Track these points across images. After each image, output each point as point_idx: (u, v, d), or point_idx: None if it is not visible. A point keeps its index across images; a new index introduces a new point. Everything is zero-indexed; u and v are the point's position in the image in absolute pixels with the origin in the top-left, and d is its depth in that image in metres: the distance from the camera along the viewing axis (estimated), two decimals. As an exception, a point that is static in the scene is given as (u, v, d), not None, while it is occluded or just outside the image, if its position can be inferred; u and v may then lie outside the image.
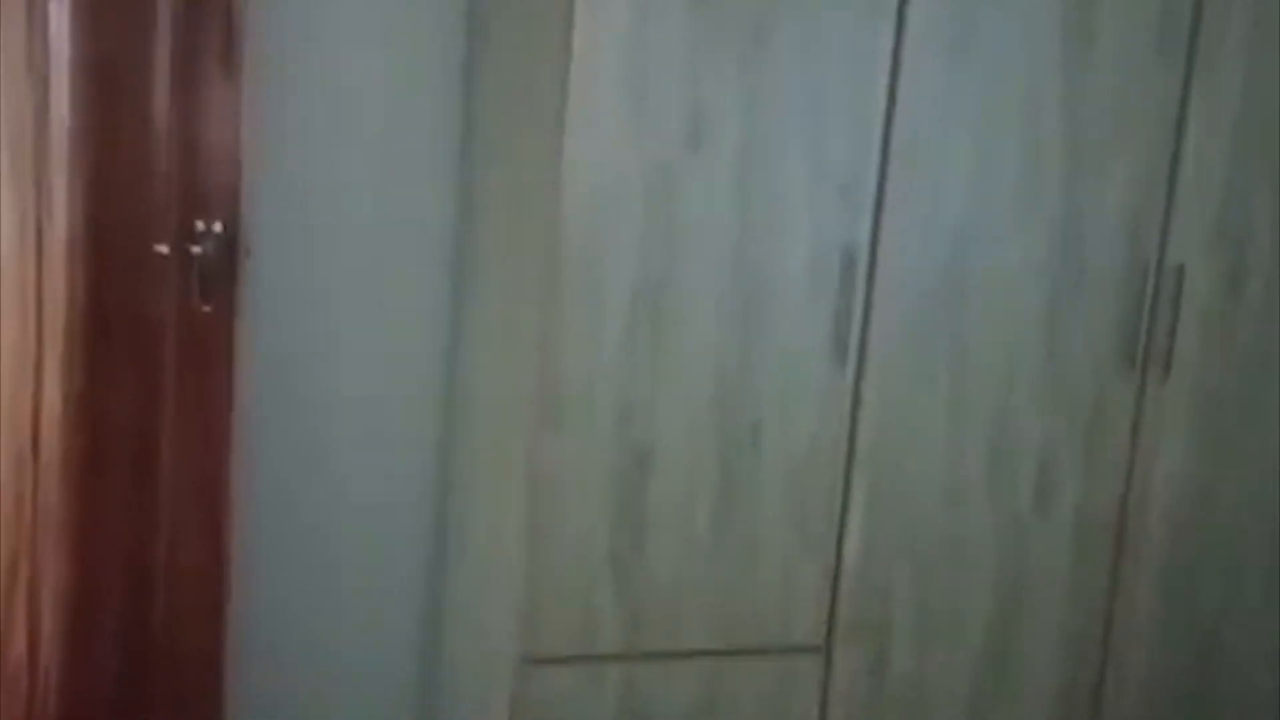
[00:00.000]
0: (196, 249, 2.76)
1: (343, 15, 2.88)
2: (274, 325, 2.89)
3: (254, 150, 2.78)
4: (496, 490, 2.74)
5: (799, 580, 2.69)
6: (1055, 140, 2.67)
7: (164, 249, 2.75)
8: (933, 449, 2.72)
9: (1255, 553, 2.95)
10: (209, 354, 2.79)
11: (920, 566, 2.76)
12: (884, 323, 2.65)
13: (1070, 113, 2.67)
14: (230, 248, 2.78)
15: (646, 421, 2.56)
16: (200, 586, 2.84)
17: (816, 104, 2.56)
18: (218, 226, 2.77)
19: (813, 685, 2.74)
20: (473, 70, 2.91)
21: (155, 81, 2.75)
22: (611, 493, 2.56)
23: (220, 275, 2.78)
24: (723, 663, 2.67)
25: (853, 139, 2.58)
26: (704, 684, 2.67)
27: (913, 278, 2.65)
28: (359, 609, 3.04)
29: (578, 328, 2.51)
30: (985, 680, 2.85)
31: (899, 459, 2.71)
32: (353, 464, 3.00)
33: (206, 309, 2.77)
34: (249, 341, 2.81)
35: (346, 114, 2.90)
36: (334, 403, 2.97)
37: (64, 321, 2.73)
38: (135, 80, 2.73)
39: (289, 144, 2.86)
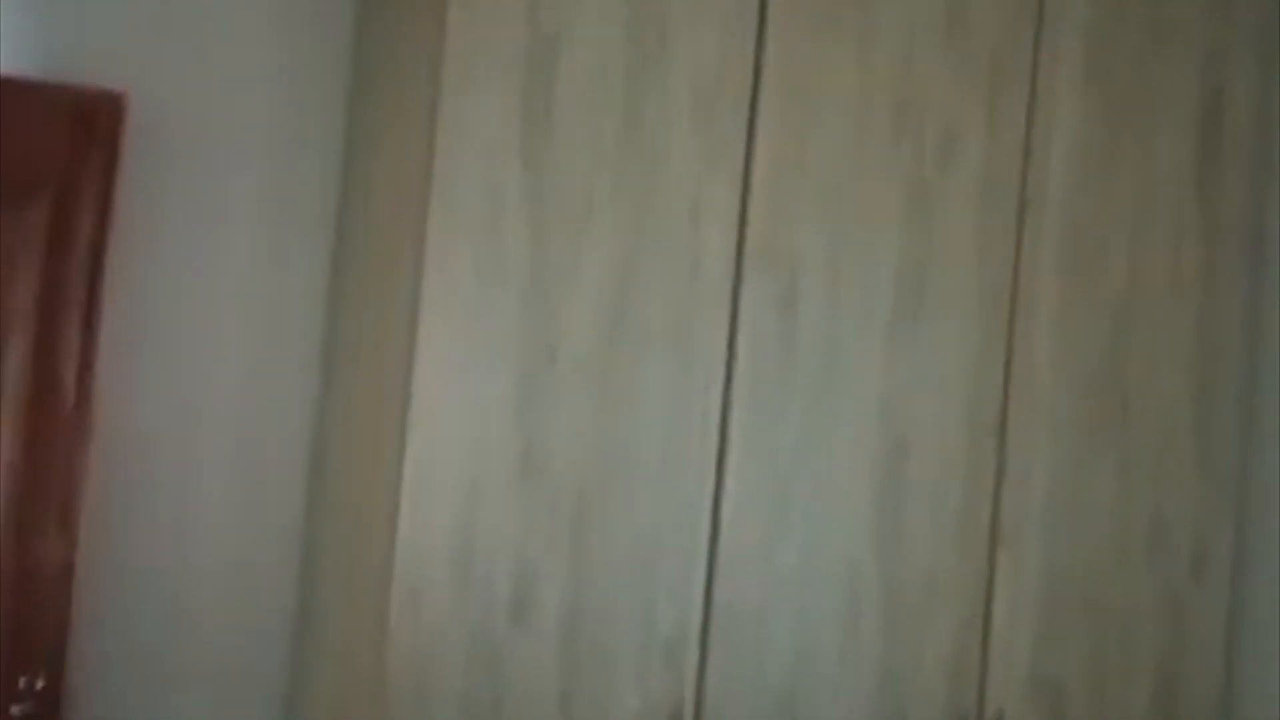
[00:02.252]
0: (16, 709, 2.71)
1: (183, 431, 2.95)
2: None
3: (82, 604, 2.78)
4: None
5: None
6: (873, 597, 2.77)
7: (-18, 709, 2.70)
8: None
9: None
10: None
11: None
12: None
13: (886, 571, 2.78)
14: (53, 705, 2.74)
15: None
16: None
17: (641, 565, 2.63)
18: (40, 683, 2.73)
19: None
20: (310, 522, 2.97)
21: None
22: None
23: (41, 734, 2.73)
24: None
25: (677, 599, 2.65)
26: None
27: (737, 735, 2.68)
28: None
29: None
30: None
31: None
32: None
33: (24, 772, 2.71)
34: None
35: (183, 544, 2.94)
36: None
37: None
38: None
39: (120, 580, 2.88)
